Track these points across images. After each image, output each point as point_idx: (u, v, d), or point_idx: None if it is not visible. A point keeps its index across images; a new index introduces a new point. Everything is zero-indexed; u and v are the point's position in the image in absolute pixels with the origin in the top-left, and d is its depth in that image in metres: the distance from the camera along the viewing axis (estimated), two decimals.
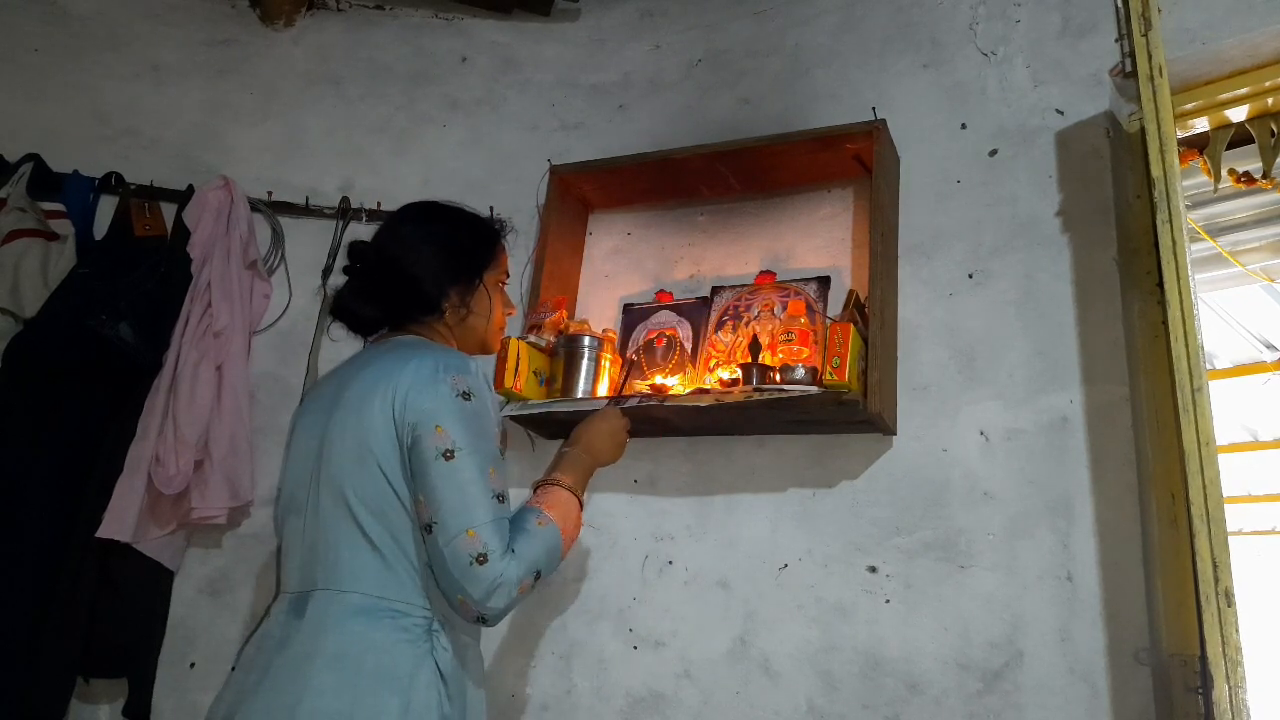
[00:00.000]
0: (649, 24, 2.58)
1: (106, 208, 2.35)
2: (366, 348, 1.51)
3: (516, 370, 1.97)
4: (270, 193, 2.44)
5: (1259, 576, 5.13)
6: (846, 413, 1.77)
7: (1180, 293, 1.50)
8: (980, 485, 1.78)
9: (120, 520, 1.97)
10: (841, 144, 1.99)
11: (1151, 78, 1.65)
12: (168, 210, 2.34)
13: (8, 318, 2.12)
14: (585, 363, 2.02)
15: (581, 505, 1.43)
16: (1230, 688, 1.34)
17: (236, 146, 2.55)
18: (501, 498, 1.28)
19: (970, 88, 2.08)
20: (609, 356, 2.05)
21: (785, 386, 1.75)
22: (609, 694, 1.95)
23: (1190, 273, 1.51)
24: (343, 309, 1.49)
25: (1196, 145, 1.97)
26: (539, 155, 2.33)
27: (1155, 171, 1.59)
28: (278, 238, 2.44)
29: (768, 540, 1.93)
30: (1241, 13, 1.78)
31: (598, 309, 2.29)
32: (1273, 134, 1.89)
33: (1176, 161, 1.59)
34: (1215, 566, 1.37)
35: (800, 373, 1.77)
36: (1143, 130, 1.68)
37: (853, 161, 2.04)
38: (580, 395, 1.99)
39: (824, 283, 2.04)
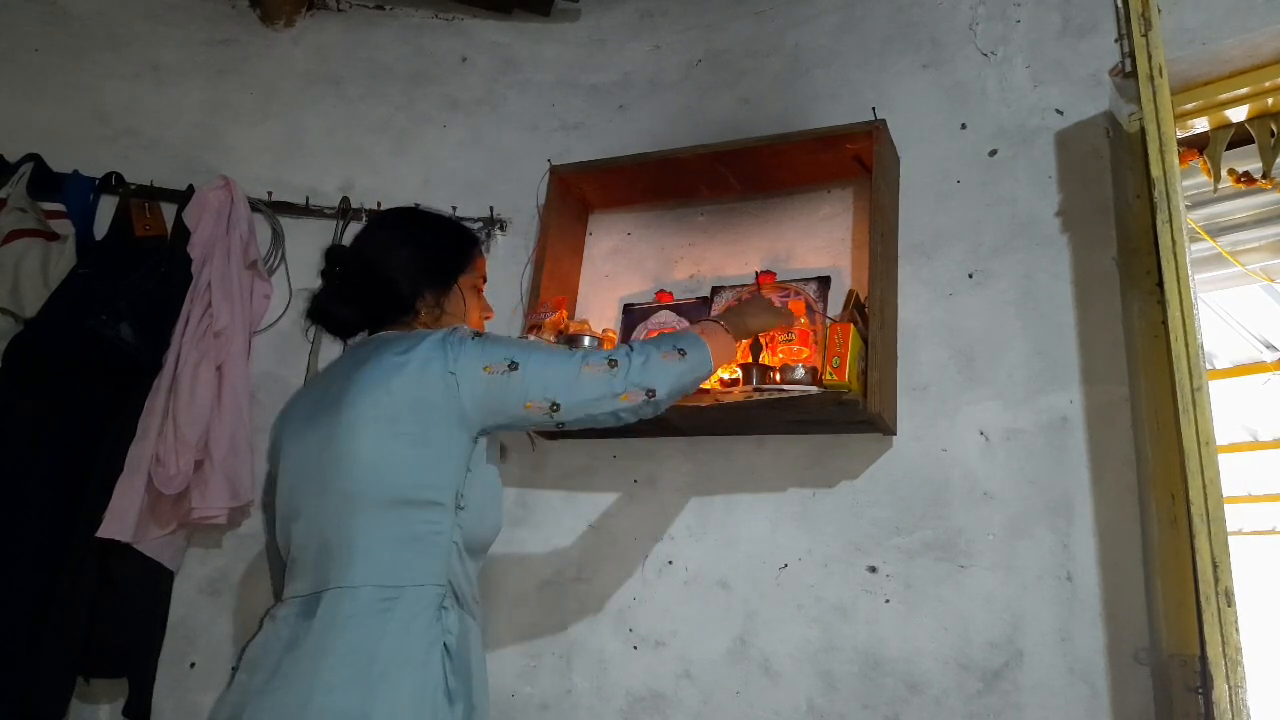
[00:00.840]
0: (649, 24, 2.58)
1: (107, 208, 2.35)
2: (348, 351, 1.53)
3: None
4: (270, 193, 2.44)
5: (1259, 576, 5.13)
6: (846, 413, 1.77)
7: (1180, 293, 1.50)
8: (980, 485, 1.78)
9: (120, 520, 1.97)
10: (841, 144, 1.99)
11: (1151, 78, 1.65)
12: (168, 210, 2.34)
13: (8, 318, 2.12)
14: None
15: (734, 337, 1.62)
16: (1230, 688, 1.34)
17: (236, 146, 2.55)
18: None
19: (970, 88, 2.08)
20: None
21: (785, 386, 1.76)
22: (609, 694, 1.95)
23: (1190, 273, 1.51)
24: (320, 311, 1.51)
25: (1196, 145, 1.97)
26: (539, 155, 2.33)
27: (1155, 171, 1.59)
28: (278, 238, 2.44)
29: (768, 540, 1.93)
30: (1241, 13, 1.78)
31: (598, 309, 2.29)
32: (1273, 134, 1.89)
33: (1176, 161, 1.59)
34: (1215, 566, 1.37)
35: (800, 373, 1.77)
36: (1143, 130, 1.68)
37: (853, 161, 2.04)
38: None
39: (824, 283, 2.04)
